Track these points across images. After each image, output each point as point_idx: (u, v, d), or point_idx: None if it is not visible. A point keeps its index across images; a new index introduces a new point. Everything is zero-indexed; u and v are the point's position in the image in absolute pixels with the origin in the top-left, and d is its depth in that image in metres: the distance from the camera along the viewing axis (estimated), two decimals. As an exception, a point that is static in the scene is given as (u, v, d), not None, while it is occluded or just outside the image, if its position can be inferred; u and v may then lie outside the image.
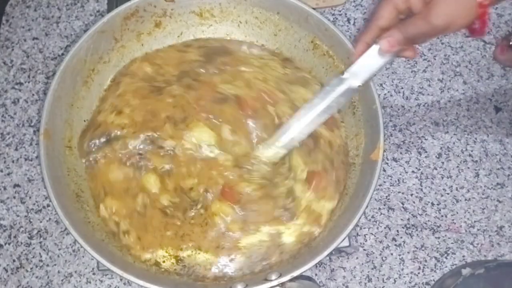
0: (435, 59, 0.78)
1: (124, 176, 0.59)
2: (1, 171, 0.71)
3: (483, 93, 0.76)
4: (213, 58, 0.65)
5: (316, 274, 0.66)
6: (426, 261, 0.67)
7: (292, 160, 0.60)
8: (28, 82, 0.76)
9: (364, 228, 0.68)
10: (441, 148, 0.73)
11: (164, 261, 0.57)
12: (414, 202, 0.70)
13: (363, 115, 0.61)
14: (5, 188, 0.70)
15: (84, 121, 0.64)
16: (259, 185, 0.58)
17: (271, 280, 0.51)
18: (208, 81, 0.63)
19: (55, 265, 0.66)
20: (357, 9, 0.81)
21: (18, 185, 0.70)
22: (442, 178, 0.71)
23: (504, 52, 0.76)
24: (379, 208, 0.69)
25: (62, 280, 0.66)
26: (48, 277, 0.66)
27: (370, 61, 0.53)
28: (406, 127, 0.74)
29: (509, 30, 0.79)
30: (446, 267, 0.67)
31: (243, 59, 0.66)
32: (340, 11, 0.81)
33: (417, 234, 0.68)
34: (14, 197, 0.70)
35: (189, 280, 0.56)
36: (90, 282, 0.66)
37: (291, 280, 0.51)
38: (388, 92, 0.76)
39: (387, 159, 0.72)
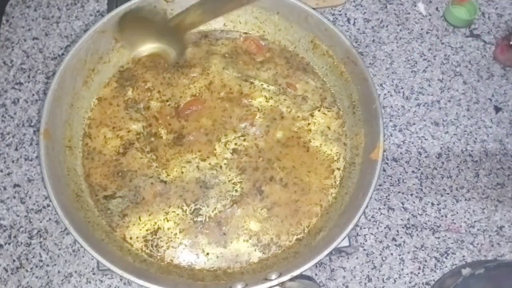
0: (435, 59, 0.78)
1: None
2: (1, 171, 0.71)
3: (483, 93, 0.76)
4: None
5: (316, 274, 0.66)
6: (426, 261, 0.67)
7: None
8: (28, 82, 0.76)
9: (364, 228, 0.68)
10: (441, 148, 0.73)
11: None
12: (414, 202, 0.70)
13: (363, 115, 0.61)
14: (5, 188, 0.70)
15: (84, 121, 0.64)
16: None
17: (271, 280, 0.51)
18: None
19: (55, 265, 0.66)
20: (357, 9, 0.81)
21: (18, 185, 0.70)
22: (442, 178, 0.71)
23: (504, 52, 0.76)
24: (379, 208, 0.69)
25: (62, 280, 0.66)
26: (48, 277, 0.66)
27: None
28: (406, 127, 0.74)
29: (509, 30, 0.79)
30: (446, 267, 0.67)
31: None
32: (340, 11, 0.81)
33: (417, 234, 0.68)
34: (14, 197, 0.70)
35: (188, 280, 0.57)
36: (90, 282, 0.66)
37: (291, 279, 0.51)
38: (388, 92, 0.76)
39: (387, 159, 0.72)
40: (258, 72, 0.66)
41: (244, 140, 0.63)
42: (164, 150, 0.62)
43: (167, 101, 0.65)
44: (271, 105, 0.64)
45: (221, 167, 0.61)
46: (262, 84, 0.65)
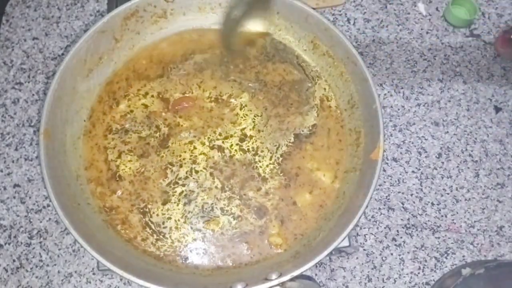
0: (435, 59, 0.78)
1: None
2: (1, 171, 0.71)
3: (483, 93, 0.76)
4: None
5: (316, 274, 0.66)
6: (426, 261, 0.67)
7: None
8: (28, 82, 0.76)
9: (364, 228, 0.68)
10: (441, 148, 0.73)
11: None
12: (414, 202, 0.70)
13: (363, 115, 0.61)
14: (5, 188, 0.70)
15: (84, 121, 0.64)
16: None
17: (271, 280, 0.51)
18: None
19: (55, 265, 0.66)
20: (357, 9, 0.81)
21: (18, 185, 0.70)
22: (442, 178, 0.71)
23: (504, 45, 0.76)
24: (379, 208, 0.69)
25: (62, 280, 0.66)
26: (48, 277, 0.66)
27: None
28: (406, 127, 0.74)
29: (509, 25, 0.79)
30: (446, 267, 0.67)
31: None
32: (340, 11, 0.81)
33: (417, 234, 0.68)
34: (14, 197, 0.70)
35: (189, 280, 0.57)
36: (90, 282, 0.66)
37: (291, 279, 0.51)
38: (388, 92, 0.76)
39: (387, 159, 0.72)
40: (246, 72, 0.67)
41: (241, 140, 0.63)
42: (154, 153, 0.63)
43: (155, 97, 0.65)
44: (265, 103, 0.65)
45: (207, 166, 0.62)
46: (248, 83, 0.65)
